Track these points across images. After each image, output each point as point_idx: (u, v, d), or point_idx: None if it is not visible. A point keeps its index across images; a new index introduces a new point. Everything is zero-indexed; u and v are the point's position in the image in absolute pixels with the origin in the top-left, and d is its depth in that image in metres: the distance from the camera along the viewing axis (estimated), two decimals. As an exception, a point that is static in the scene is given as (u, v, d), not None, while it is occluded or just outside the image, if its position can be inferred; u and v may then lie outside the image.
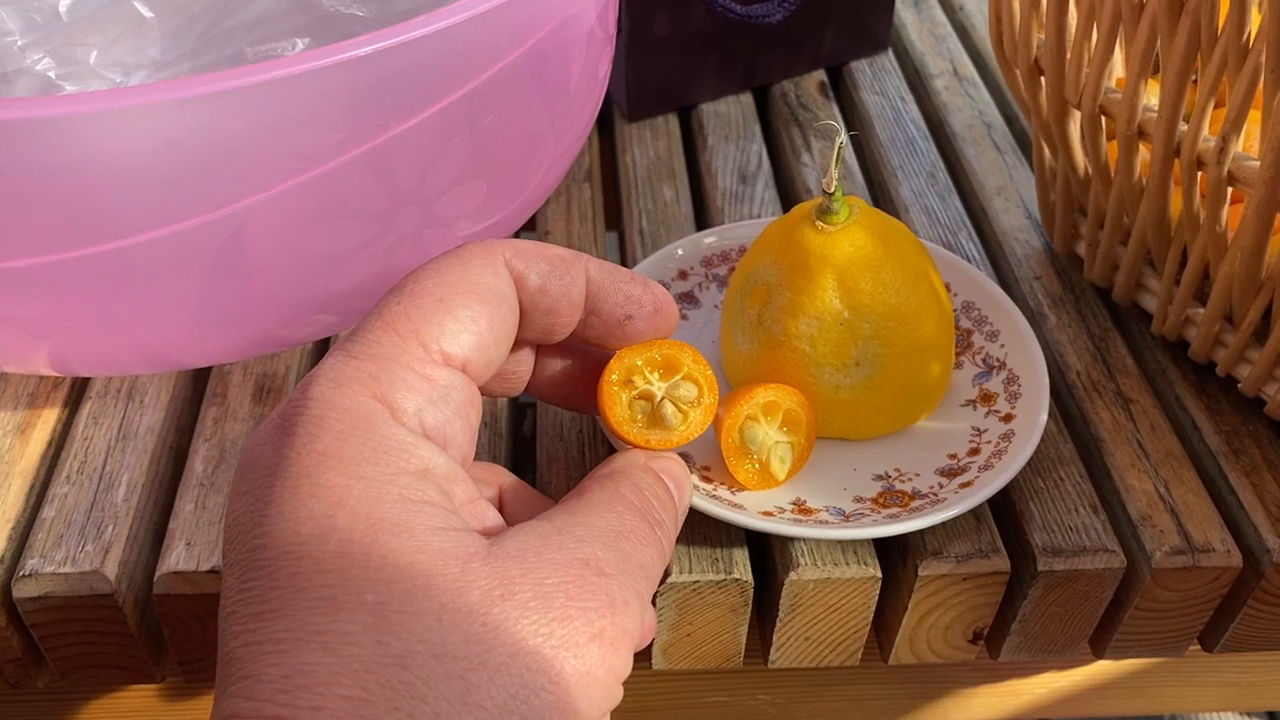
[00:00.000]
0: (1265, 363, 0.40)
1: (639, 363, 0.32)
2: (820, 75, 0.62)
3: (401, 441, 0.24)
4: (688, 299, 0.46)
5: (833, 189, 0.37)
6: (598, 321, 0.30)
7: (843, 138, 0.35)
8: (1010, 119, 0.59)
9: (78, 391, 0.43)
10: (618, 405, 0.32)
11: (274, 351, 0.43)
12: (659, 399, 0.32)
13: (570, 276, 0.29)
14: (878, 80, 0.62)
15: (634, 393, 0.32)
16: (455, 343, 0.26)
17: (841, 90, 0.62)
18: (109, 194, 0.31)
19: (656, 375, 0.33)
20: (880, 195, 0.55)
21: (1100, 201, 0.44)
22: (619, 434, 0.32)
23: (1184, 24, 0.35)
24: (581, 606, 0.24)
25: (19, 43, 0.32)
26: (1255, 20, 0.33)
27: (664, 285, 0.46)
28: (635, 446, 0.32)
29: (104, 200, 0.32)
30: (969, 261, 0.49)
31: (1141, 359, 0.45)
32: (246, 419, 0.41)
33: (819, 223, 0.38)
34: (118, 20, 0.35)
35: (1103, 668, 0.51)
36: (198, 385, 0.43)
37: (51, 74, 0.34)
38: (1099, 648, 0.42)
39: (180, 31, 0.36)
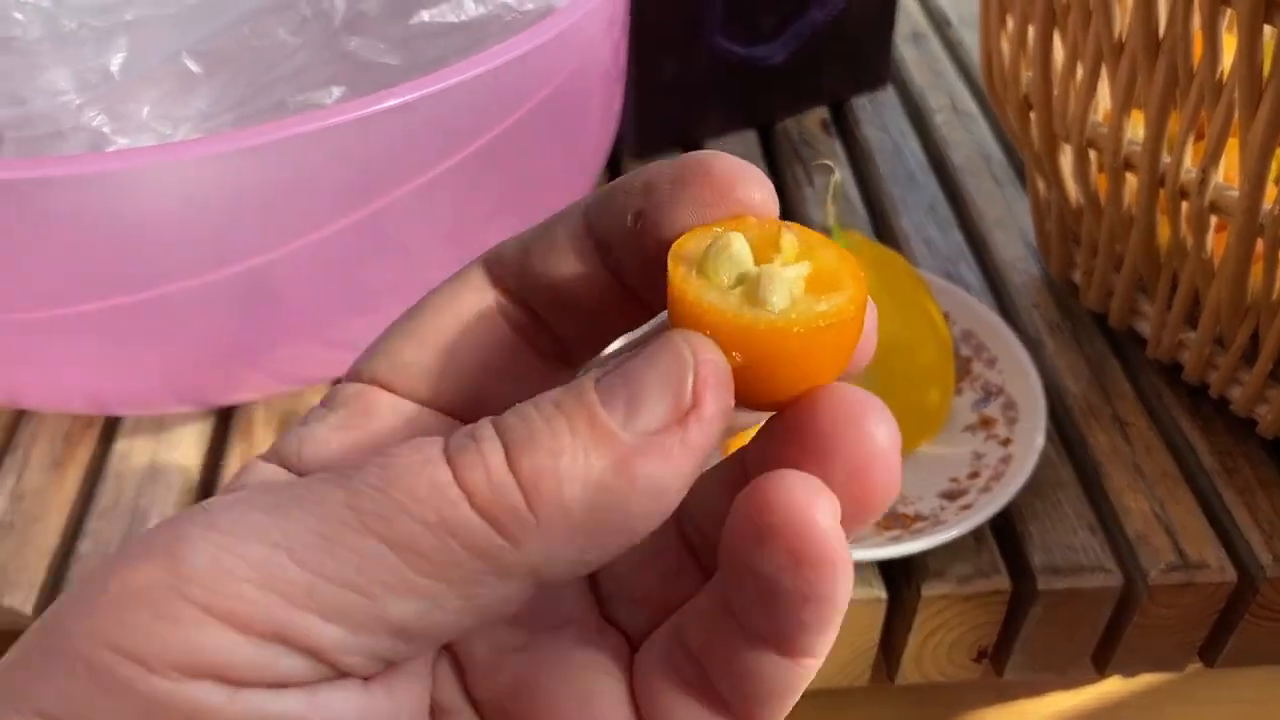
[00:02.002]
0: (1255, 384, 0.41)
1: (714, 232, 0.18)
2: (822, 112, 0.64)
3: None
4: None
5: (831, 224, 0.38)
6: (619, 250, 0.18)
7: (837, 175, 0.37)
8: (1009, 151, 0.60)
9: (109, 430, 0.45)
10: (697, 280, 0.17)
11: (300, 388, 0.45)
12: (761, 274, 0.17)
13: (558, 222, 0.19)
14: (879, 115, 0.64)
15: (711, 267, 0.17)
16: (364, 361, 0.20)
17: (844, 126, 0.64)
18: (159, 242, 0.33)
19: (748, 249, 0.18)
20: (882, 228, 0.56)
21: (1093, 231, 0.46)
22: (684, 301, 0.17)
23: (1161, 62, 0.36)
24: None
25: (76, 101, 0.34)
26: (1229, 55, 0.35)
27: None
28: (694, 319, 0.17)
29: (153, 248, 0.33)
30: (970, 291, 0.51)
31: (1138, 382, 0.47)
32: (272, 454, 0.43)
33: (817, 257, 0.39)
34: (168, 76, 0.37)
35: (1112, 687, 0.52)
36: (223, 423, 0.45)
37: (106, 129, 0.36)
38: (1102, 664, 0.43)
39: (226, 84, 0.38)
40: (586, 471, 0.15)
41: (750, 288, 0.17)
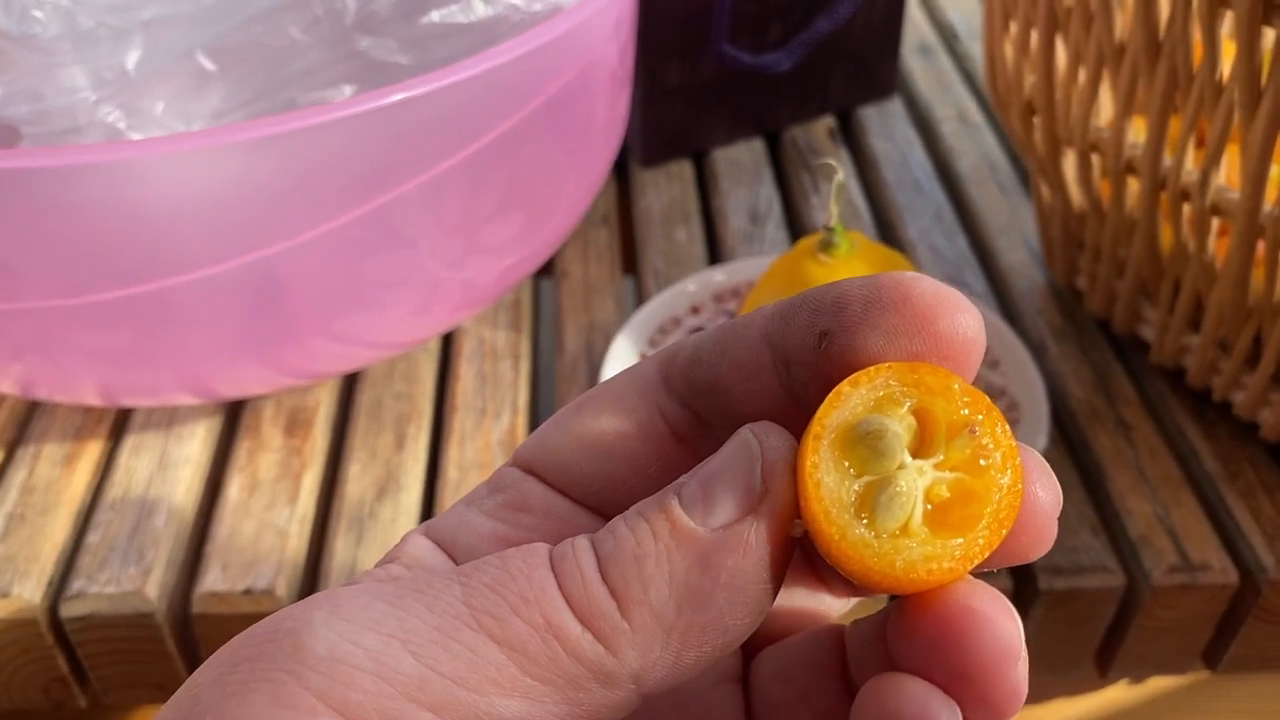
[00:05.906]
0: (1258, 388, 0.41)
1: (866, 400, 0.16)
2: (830, 121, 0.64)
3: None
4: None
5: (833, 224, 0.39)
6: (800, 370, 0.17)
7: (840, 176, 0.37)
8: (1015, 159, 0.61)
9: (120, 425, 0.45)
10: (822, 475, 0.16)
11: (308, 383, 0.45)
12: (899, 483, 0.16)
13: (734, 330, 0.18)
14: (885, 125, 0.64)
15: (854, 474, 0.16)
16: (526, 448, 0.20)
17: (851, 135, 0.64)
18: (169, 233, 0.34)
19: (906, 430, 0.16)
20: (888, 235, 0.57)
21: (1096, 236, 0.46)
22: (804, 488, 0.16)
23: (1161, 64, 0.37)
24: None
25: (92, 98, 0.35)
26: (1228, 57, 0.35)
27: (676, 321, 0.48)
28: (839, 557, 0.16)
29: (163, 239, 0.34)
30: (975, 297, 0.51)
31: (1142, 387, 0.47)
32: (279, 450, 0.43)
33: (821, 255, 0.39)
34: (182, 73, 0.38)
35: (1117, 695, 0.52)
36: (231, 419, 0.46)
37: (121, 125, 0.37)
38: (1104, 666, 0.43)
39: (239, 82, 0.38)
40: (671, 573, 0.16)
41: (868, 495, 0.16)
